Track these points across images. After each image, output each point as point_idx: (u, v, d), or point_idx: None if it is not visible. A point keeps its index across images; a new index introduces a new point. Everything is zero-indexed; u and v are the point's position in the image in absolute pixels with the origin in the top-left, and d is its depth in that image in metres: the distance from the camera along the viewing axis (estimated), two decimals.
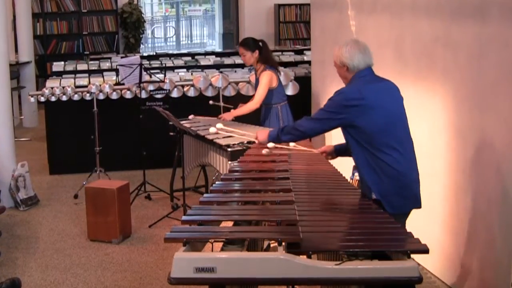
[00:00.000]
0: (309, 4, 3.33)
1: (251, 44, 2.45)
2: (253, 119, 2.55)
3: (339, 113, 1.41)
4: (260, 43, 2.47)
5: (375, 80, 1.46)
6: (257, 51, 2.44)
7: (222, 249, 1.19)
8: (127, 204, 2.37)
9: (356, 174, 1.70)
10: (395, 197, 1.43)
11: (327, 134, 2.85)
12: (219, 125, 1.92)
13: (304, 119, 1.50)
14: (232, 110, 2.53)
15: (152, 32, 7.66)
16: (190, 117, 2.58)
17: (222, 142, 2.15)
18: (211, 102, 2.68)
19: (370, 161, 1.42)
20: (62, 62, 3.83)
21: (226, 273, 1.05)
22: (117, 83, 3.14)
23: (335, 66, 1.50)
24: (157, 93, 3.11)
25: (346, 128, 1.45)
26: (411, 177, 1.46)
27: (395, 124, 1.43)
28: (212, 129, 1.91)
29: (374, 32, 2.28)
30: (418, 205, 1.47)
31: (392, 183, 1.43)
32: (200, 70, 3.66)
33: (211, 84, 3.02)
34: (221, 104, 2.66)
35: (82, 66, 3.70)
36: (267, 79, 2.42)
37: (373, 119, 1.39)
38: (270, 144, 1.67)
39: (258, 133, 1.64)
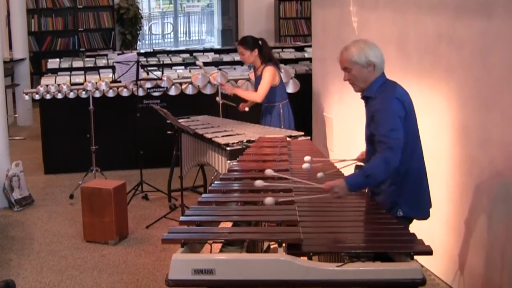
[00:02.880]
0: (310, 0, 3.28)
1: (250, 42, 2.42)
2: (253, 118, 2.51)
3: (399, 123, 1.29)
4: (260, 42, 2.43)
5: (395, 84, 1.40)
6: (256, 50, 2.40)
7: (221, 250, 1.19)
8: (123, 204, 2.34)
9: None
10: (423, 204, 1.42)
11: (328, 132, 2.82)
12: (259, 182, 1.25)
13: (384, 150, 1.28)
14: (235, 87, 2.44)
15: (150, 29, 7.64)
16: (198, 62, 2.48)
17: (221, 141, 2.13)
18: (217, 98, 2.53)
19: (403, 174, 1.36)
20: (57, 59, 3.78)
21: (225, 275, 1.04)
22: (114, 81, 3.07)
23: (352, 68, 1.35)
24: (155, 91, 3.08)
25: None
26: (427, 180, 1.45)
27: (416, 127, 1.41)
28: (258, 182, 1.25)
29: (376, 29, 2.25)
30: (431, 205, 1.47)
31: (421, 190, 1.41)
32: (198, 67, 3.63)
33: (209, 82, 2.99)
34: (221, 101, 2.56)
35: (77, 63, 3.66)
36: (270, 73, 2.38)
37: (410, 124, 1.36)
38: (306, 165, 1.46)
39: (335, 188, 1.27)
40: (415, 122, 1.40)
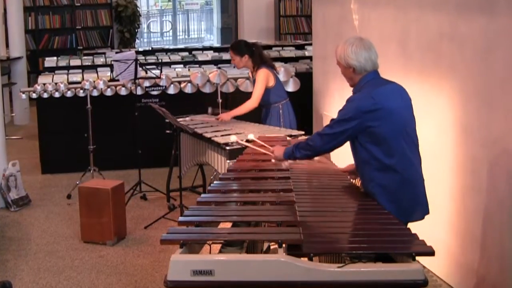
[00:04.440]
0: None
1: (242, 48, 2.39)
2: (253, 118, 2.49)
3: (354, 119, 1.32)
4: (253, 47, 2.40)
5: (382, 83, 1.40)
6: (246, 56, 2.37)
7: (220, 251, 1.18)
8: (122, 204, 2.32)
9: None
10: (409, 206, 1.39)
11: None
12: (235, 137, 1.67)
13: (316, 134, 1.40)
14: (231, 110, 2.47)
15: (148, 27, 7.61)
16: (187, 119, 2.48)
17: (221, 140, 2.11)
18: (209, 111, 2.55)
19: (382, 173, 1.35)
20: (55, 58, 3.76)
21: (225, 276, 1.03)
22: (112, 79, 3.05)
23: (339, 66, 1.43)
24: (153, 90, 3.06)
25: (357, 137, 1.35)
26: (422, 183, 1.42)
27: (406, 127, 1.39)
28: (232, 138, 1.69)
29: (377, 27, 2.23)
30: (427, 212, 1.44)
31: (407, 192, 1.38)
32: (197, 65, 3.60)
33: (209, 80, 2.97)
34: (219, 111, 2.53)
35: (75, 62, 3.64)
36: (263, 76, 2.37)
37: (387, 124, 1.34)
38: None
39: (275, 149, 1.53)
40: (402, 122, 1.36)
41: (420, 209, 1.41)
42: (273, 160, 1.54)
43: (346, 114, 1.35)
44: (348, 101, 1.38)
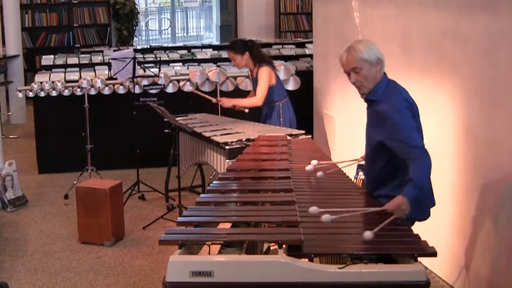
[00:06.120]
0: None
1: (240, 46, 2.38)
2: (253, 117, 2.47)
3: (414, 123, 1.28)
4: (250, 43, 2.39)
5: (395, 84, 1.37)
6: (247, 53, 2.36)
7: (219, 252, 1.17)
8: (120, 204, 2.31)
9: (361, 173, 1.63)
10: (425, 202, 1.38)
11: (330, 130, 2.78)
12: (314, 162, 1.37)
13: (420, 157, 1.25)
14: (233, 99, 2.43)
15: (146, 24, 7.61)
16: (197, 115, 2.44)
17: (220, 139, 2.09)
18: (214, 100, 2.51)
19: (401, 174, 1.32)
20: (52, 56, 3.74)
21: (224, 277, 1.02)
22: (110, 78, 3.03)
23: (361, 66, 1.29)
24: (152, 88, 3.05)
25: (389, 152, 1.31)
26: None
27: (419, 126, 1.38)
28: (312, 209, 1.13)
29: (379, 25, 2.21)
30: (433, 203, 1.43)
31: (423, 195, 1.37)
32: (196, 64, 3.59)
33: (208, 79, 2.95)
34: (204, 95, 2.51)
35: (72, 60, 3.61)
36: (265, 74, 2.35)
37: (417, 122, 1.34)
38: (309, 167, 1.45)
39: (402, 207, 1.21)
40: (418, 118, 1.37)
41: (430, 205, 1.41)
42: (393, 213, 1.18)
43: (411, 126, 1.28)
44: (392, 114, 1.28)
